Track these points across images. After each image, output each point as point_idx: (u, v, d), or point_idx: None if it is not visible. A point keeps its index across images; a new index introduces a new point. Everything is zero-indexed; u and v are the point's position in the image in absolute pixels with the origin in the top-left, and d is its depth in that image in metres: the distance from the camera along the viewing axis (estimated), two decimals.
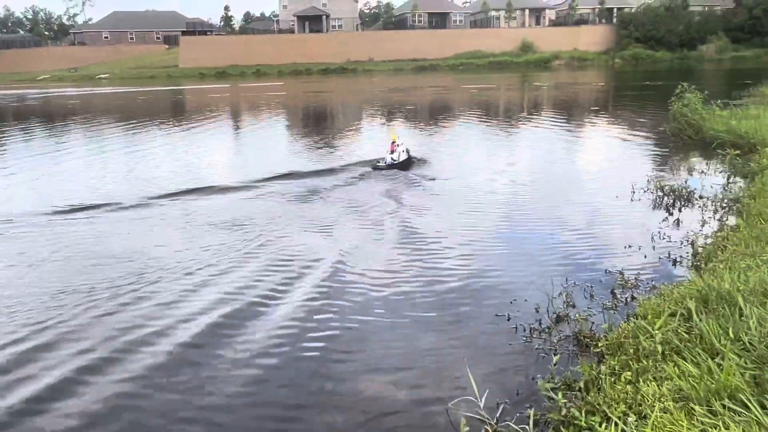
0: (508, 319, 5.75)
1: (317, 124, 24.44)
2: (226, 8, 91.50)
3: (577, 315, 5.68)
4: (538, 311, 5.87)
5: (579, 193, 10.68)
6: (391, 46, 77.17)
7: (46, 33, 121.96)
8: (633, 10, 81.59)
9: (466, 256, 7.54)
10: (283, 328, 5.75)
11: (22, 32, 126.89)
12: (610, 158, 14.45)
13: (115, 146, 18.77)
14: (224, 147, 18.72)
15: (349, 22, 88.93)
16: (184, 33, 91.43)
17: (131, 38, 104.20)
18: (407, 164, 13.25)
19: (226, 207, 10.26)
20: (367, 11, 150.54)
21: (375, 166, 13.10)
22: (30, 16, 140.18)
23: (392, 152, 13.13)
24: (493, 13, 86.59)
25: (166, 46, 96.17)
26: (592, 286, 6.43)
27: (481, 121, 22.52)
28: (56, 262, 7.69)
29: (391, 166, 12.90)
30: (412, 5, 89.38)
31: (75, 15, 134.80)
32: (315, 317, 5.98)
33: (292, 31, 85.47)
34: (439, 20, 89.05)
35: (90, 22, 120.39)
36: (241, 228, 8.90)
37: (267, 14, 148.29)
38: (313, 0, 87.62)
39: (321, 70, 71.08)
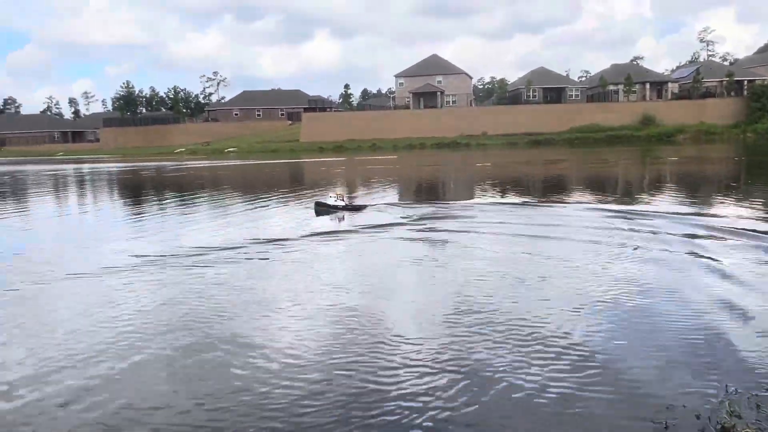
0: (666, 428, 4.93)
1: (429, 193, 24.35)
2: (346, 86, 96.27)
3: (746, 430, 4.78)
4: (698, 418, 5.01)
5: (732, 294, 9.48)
6: (505, 120, 77.39)
7: (185, 110, 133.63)
8: (765, 83, 77.01)
9: (593, 343, 6.76)
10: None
11: (164, 110, 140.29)
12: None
13: (237, 206, 19.63)
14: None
15: (463, 97, 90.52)
16: (306, 109, 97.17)
17: (258, 115, 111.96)
18: (356, 208, 17.16)
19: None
20: (481, 87, 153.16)
21: (328, 205, 17.02)
22: (172, 96, 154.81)
23: (342, 200, 17.26)
24: (612, 87, 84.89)
25: (289, 122, 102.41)
26: (757, 394, 5.47)
27: (596, 197, 21.38)
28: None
29: (345, 207, 16.95)
30: (527, 80, 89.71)
31: (210, 94, 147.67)
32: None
33: (407, 107, 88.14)
34: (554, 95, 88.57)
35: (223, 101, 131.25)
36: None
37: (383, 91, 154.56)
38: (429, 77, 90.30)
39: (434, 144, 72.24)
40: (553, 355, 6.22)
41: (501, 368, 5.92)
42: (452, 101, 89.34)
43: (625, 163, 38.72)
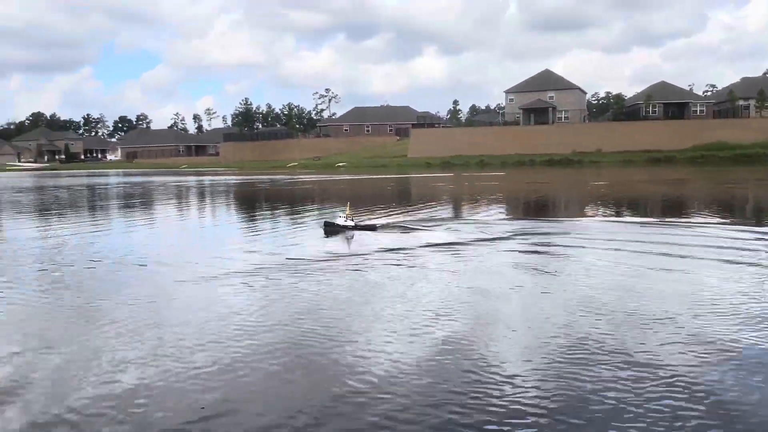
0: None
1: (538, 211, 23.53)
2: (455, 102, 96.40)
3: None
4: None
5: None
6: (621, 137, 73.96)
7: (298, 126, 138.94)
8: None
9: None
10: None
11: (279, 125, 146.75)
12: None
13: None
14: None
15: (576, 113, 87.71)
16: (414, 125, 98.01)
17: (367, 130, 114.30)
18: (367, 228, 16.77)
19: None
20: (596, 102, 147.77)
21: (337, 225, 16.69)
22: (286, 112, 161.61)
23: (351, 219, 16.93)
24: (742, 101, 78.95)
25: (398, 138, 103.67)
26: None
27: (731, 220, 19.69)
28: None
29: (355, 227, 16.56)
30: (646, 95, 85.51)
31: (322, 110, 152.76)
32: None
33: (517, 123, 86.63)
34: (676, 110, 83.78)
35: (334, 117, 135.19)
36: None
37: (492, 107, 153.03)
38: (540, 93, 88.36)
39: (544, 161, 70.33)
40: (682, 408, 5.63)
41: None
42: (564, 117, 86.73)
43: (761, 184, 35.65)
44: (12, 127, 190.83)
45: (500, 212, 22.58)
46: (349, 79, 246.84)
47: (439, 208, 24.57)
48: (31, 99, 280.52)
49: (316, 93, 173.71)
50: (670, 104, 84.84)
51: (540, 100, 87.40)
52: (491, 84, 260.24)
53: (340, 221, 16.90)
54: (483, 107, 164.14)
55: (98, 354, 6.91)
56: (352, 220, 16.99)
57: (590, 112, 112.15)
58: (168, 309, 9.02)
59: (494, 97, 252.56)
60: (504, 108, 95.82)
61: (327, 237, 16.29)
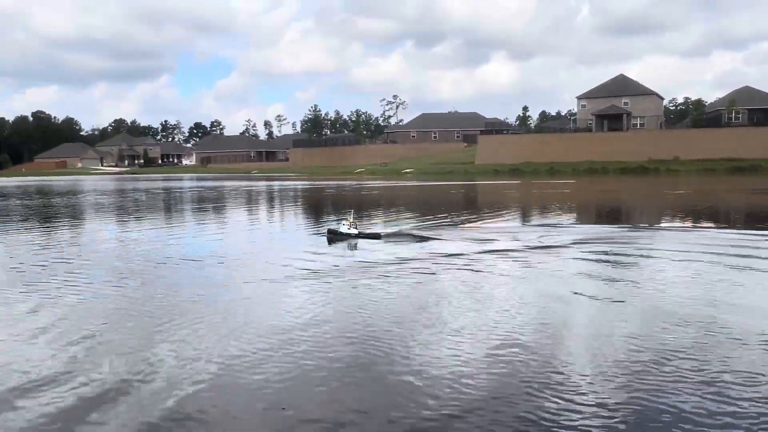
0: None
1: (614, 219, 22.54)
2: (524, 108, 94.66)
3: None
4: None
5: None
6: (701, 144, 70.64)
7: (365, 132, 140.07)
8: None
9: None
10: None
11: (346, 132, 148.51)
12: None
13: (407, 225, 19.81)
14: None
15: (652, 120, 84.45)
16: (482, 132, 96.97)
17: (435, 137, 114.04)
18: (370, 236, 16.52)
19: None
20: (673, 108, 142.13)
21: (340, 233, 16.51)
22: (354, 118, 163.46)
23: (355, 227, 16.72)
24: None
25: (465, 144, 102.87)
26: None
27: None
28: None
29: (358, 235, 16.37)
30: (728, 101, 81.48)
31: (389, 117, 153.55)
32: None
33: (589, 130, 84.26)
34: (762, 116, 79.35)
35: (401, 123, 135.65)
36: None
37: (563, 113, 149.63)
38: (614, 99, 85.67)
39: (618, 169, 68.01)
40: None
41: None
42: (640, 124, 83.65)
43: None
44: (96, 133, 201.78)
45: (536, 221, 21.59)
46: (417, 85, 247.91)
47: (477, 215, 24.01)
48: (114, 106, 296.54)
49: (384, 99, 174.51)
50: (755, 110, 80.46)
51: (614, 106, 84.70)
52: (562, 90, 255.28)
53: (344, 229, 16.71)
54: (553, 113, 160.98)
55: (172, 352, 6.98)
56: (356, 227, 16.82)
57: (668, 119, 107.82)
58: (242, 309, 9.04)
59: (565, 103, 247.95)
60: (576, 114, 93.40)
61: (330, 244, 16.02)
